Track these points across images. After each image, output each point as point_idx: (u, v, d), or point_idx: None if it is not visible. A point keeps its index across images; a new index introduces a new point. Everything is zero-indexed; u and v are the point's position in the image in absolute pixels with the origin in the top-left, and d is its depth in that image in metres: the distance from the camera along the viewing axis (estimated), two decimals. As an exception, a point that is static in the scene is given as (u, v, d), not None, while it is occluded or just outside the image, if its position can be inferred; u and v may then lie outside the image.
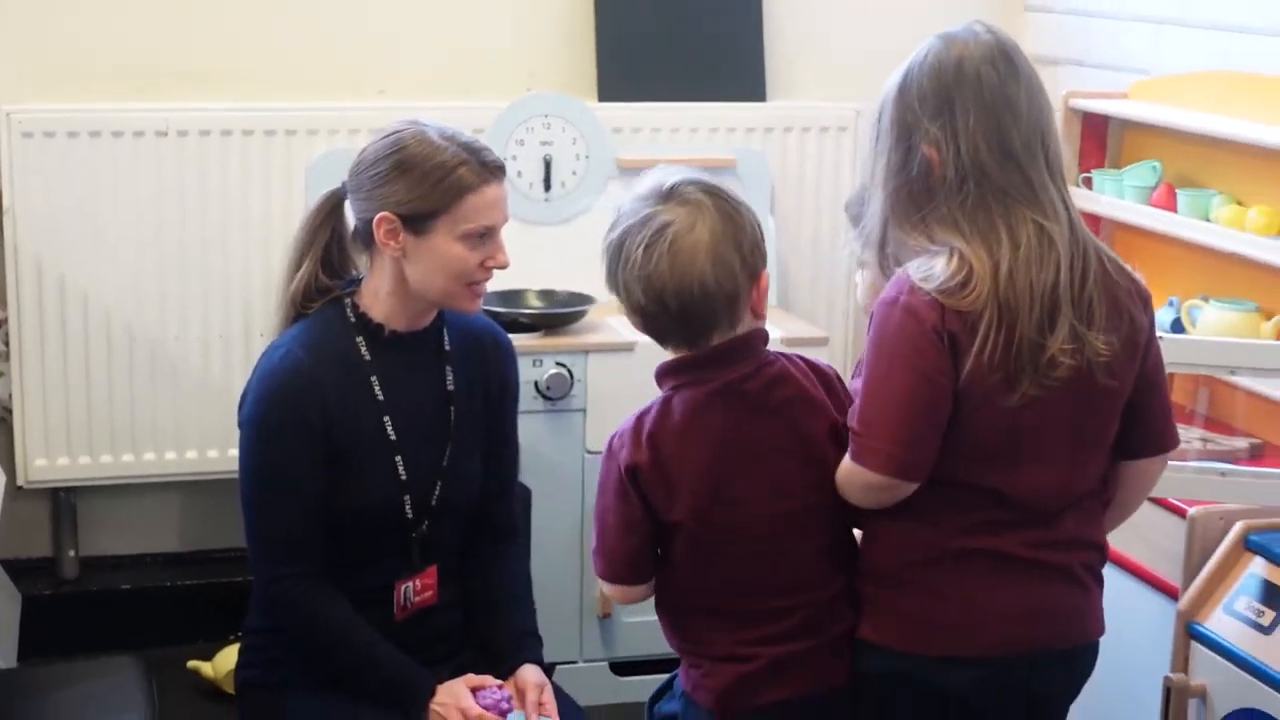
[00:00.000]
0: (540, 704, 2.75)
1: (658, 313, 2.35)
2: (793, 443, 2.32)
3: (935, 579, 2.32)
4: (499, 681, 2.74)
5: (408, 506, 2.80)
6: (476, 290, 2.80)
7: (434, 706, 2.68)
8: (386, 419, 2.79)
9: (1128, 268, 2.34)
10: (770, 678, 2.36)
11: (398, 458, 2.79)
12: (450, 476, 2.84)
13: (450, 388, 2.86)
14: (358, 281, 2.83)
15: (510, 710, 2.69)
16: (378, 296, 2.80)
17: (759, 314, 2.39)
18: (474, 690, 2.71)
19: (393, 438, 2.79)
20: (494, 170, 2.74)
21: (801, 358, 2.44)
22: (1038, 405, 2.24)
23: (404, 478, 2.79)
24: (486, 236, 2.75)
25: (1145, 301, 2.35)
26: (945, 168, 2.26)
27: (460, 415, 2.86)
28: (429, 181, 2.71)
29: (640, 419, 2.39)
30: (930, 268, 2.23)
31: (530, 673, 2.80)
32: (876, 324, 2.27)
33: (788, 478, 2.33)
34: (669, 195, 2.37)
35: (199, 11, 3.92)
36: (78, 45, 3.86)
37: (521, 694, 2.76)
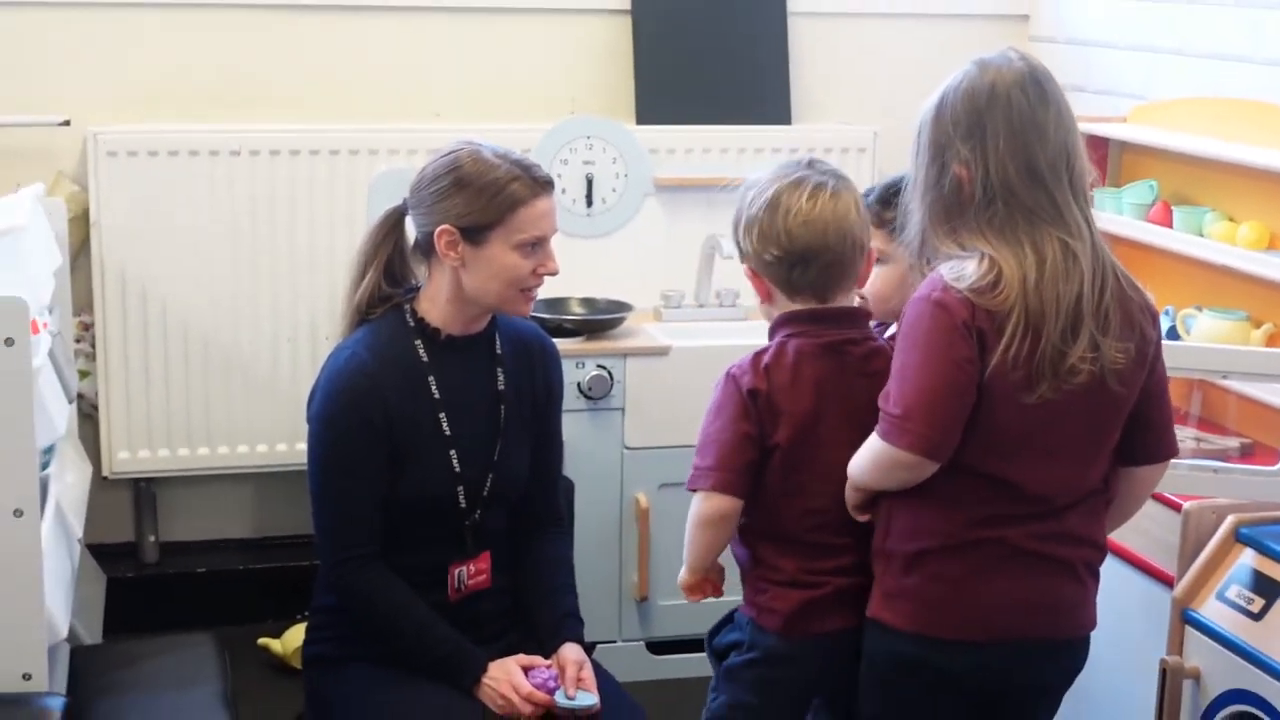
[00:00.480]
0: (580, 679, 2.76)
1: (809, 258, 2.43)
2: (874, 406, 2.34)
3: (949, 565, 2.33)
4: (548, 661, 2.75)
5: (461, 497, 2.82)
6: (529, 295, 2.83)
7: (486, 681, 2.70)
8: (442, 415, 2.81)
9: (1139, 284, 2.34)
10: (834, 605, 2.43)
11: (452, 451, 2.81)
12: (501, 469, 2.85)
13: (501, 388, 2.87)
14: (416, 290, 2.85)
15: (557, 688, 2.69)
16: (435, 303, 2.82)
17: (862, 284, 2.52)
18: (525, 669, 2.72)
19: (448, 433, 2.81)
20: (544, 185, 2.77)
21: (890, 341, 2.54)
22: (1053, 405, 2.25)
23: (458, 470, 2.81)
24: (538, 245, 2.77)
25: (1154, 317, 2.35)
26: (974, 185, 2.27)
27: (510, 413, 2.88)
28: (485, 196, 2.74)
29: (758, 356, 2.46)
30: (962, 269, 2.25)
31: (571, 650, 2.81)
32: (911, 318, 2.29)
33: (866, 432, 2.35)
34: (811, 165, 2.50)
35: (268, 40, 3.93)
36: (157, 72, 3.87)
37: (562, 670, 2.77)
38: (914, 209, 2.38)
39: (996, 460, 2.29)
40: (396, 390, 2.77)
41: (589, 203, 4.05)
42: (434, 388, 2.81)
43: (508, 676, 2.71)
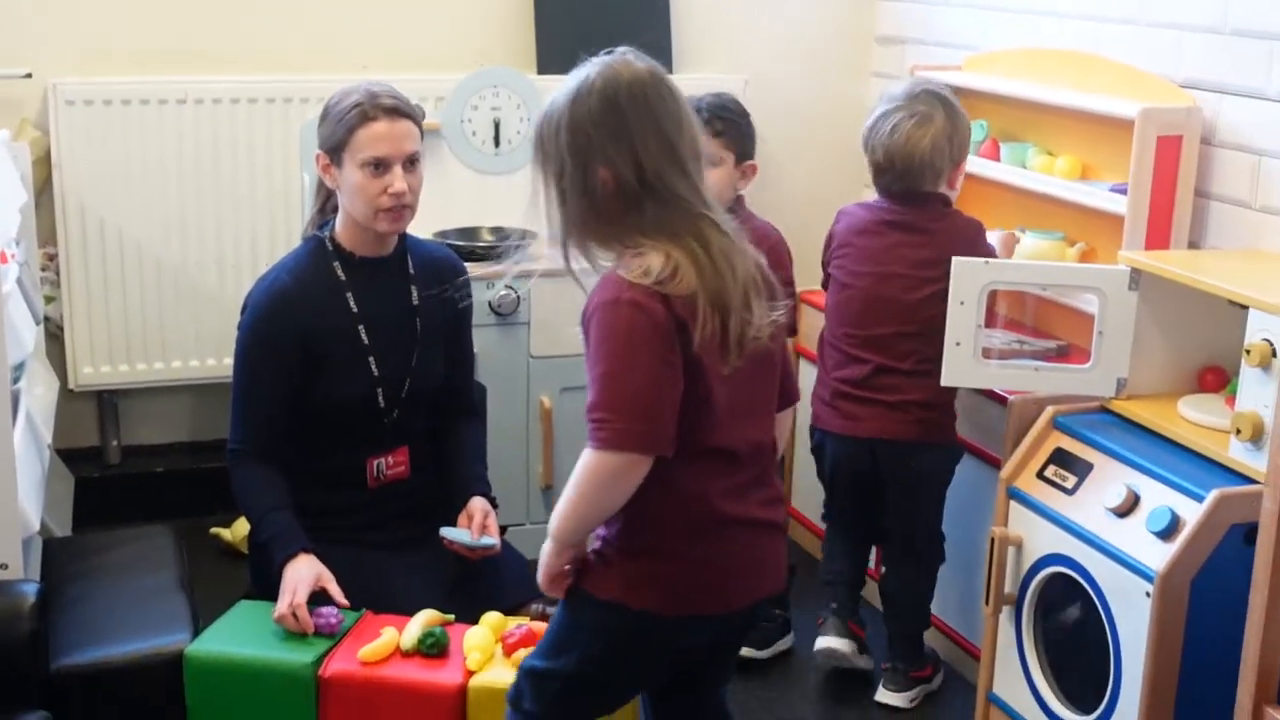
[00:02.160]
0: (485, 526, 2.81)
1: None
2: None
3: (695, 547, 2.11)
4: (342, 604, 2.65)
5: (380, 398, 2.84)
6: (391, 215, 2.78)
7: (287, 571, 2.65)
8: (361, 327, 2.83)
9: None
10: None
11: (370, 358, 2.83)
12: (417, 373, 2.87)
13: (415, 302, 2.89)
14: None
15: (339, 624, 2.59)
16: (345, 227, 2.85)
17: None
18: (326, 592, 2.64)
19: (366, 342, 2.83)
20: (385, 110, 2.75)
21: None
22: (741, 372, 2.09)
23: (376, 374, 2.83)
24: (382, 167, 2.75)
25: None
26: (625, 185, 2.05)
27: (425, 324, 2.89)
28: (334, 119, 2.79)
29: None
30: (645, 265, 2.03)
31: (477, 502, 2.85)
32: (603, 323, 2.04)
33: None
34: None
35: (213, 0, 3.85)
36: (111, 29, 3.79)
37: (470, 517, 2.82)
38: (552, 216, 2.13)
39: (717, 432, 2.09)
40: (316, 307, 2.79)
41: (497, 144, 4.01)
42: (352, 303, 2.83)
43: (296, 581, 2.62)
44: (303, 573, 2.65)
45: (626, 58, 2.11)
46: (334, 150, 2.79)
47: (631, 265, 2.05)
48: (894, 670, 3.20)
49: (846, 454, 3.14)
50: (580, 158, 2.07)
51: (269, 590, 2.74)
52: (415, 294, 2.89)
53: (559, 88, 2.12)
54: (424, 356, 2.89)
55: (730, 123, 3.16)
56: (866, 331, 3.09)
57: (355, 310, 2.83)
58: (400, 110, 2.78)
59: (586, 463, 2.04)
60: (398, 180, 2.76)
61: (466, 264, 3.52)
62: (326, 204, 2.93)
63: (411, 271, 2.91)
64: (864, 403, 3.09)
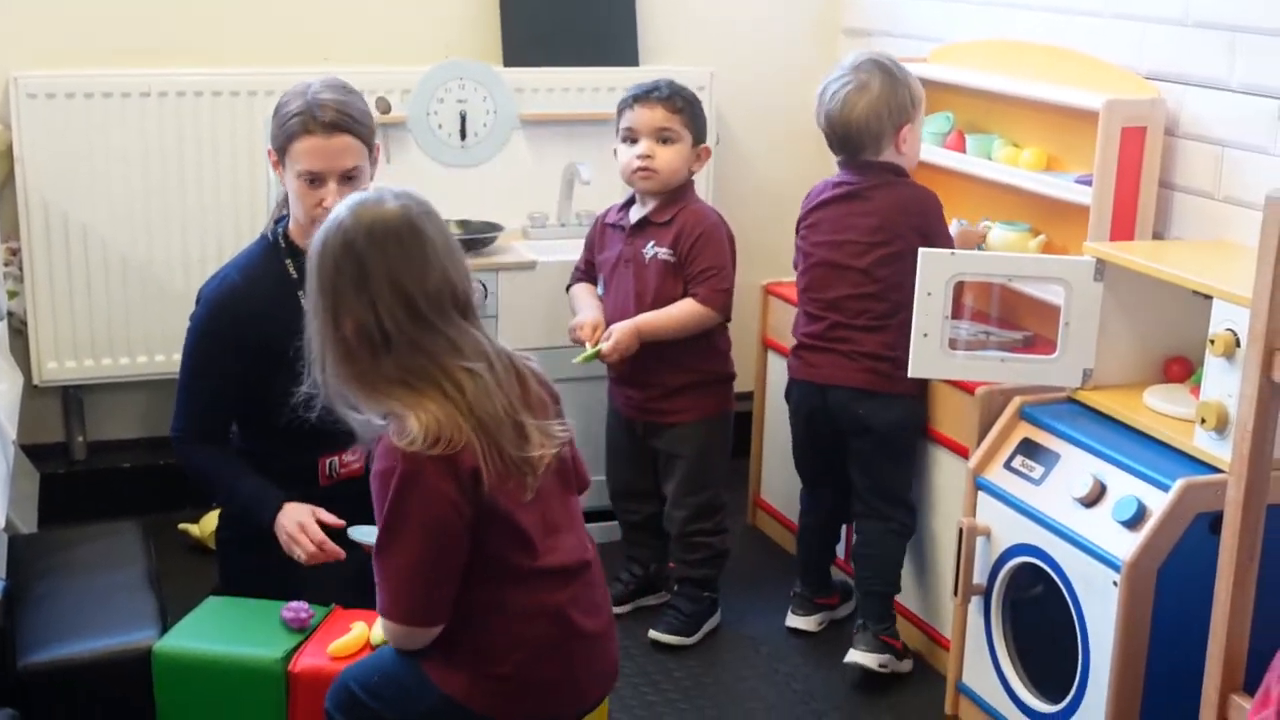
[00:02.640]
0: None
1: None
2: None
3: (537, 663, 2.15)
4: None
5: None
6: None
7: (280, 519, 2.69)
8: None
9: (532, 364, 2.25)
10: None
11: None
12: None
13: None
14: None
15: (310, 618, 2.58)
16: (296, 224, 2.84)
17: None
18: (320, 523, 2.68)
19: None
20: (321, 125, 2.72)
21: None
22: (544, 489, 2.14)
23: None
24: (317, 181, 2.74)
25: (551, 396, 2.24)
26: (371, 332, 2.06)
27: None
28: (277, 123, 2.78)
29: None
30: (408, 432, 2.03)
31: None
32: (392, 496, 2.04)
33: None
34: None
35: (174, -7, 3.83)
36: (74, 21, 3.74)
37: None
38: (323, 363, 2.12)
39: (538, 554, 2.13)
40: (266, 305, 2.77)
41: (463, 136, 4.00)
42: (303, 301, 2.74)
43: (298, 517, 2.68)
44: (299, 515, 2.68)
45: (382, 194, 2.11)
46: (278, 151, 2.80)
47: (398, 430, 2.04)
48: (864, 629, 3.21)
49: (805, 399, 3.29)
50: (329, 305, 2.09)
51: (239, 586, 2.72)
52: None
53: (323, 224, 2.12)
54: None
55: (688, 101, 3.33)
56: (824, 295, 3.22)
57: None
58: (339, 125, 2.74)
59: (383, 623, 2.15)
60: (330, 196, 2.73)
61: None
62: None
63: None
64: (821, 351, 3.23)
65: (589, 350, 3.28)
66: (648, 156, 3.28)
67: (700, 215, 3.31)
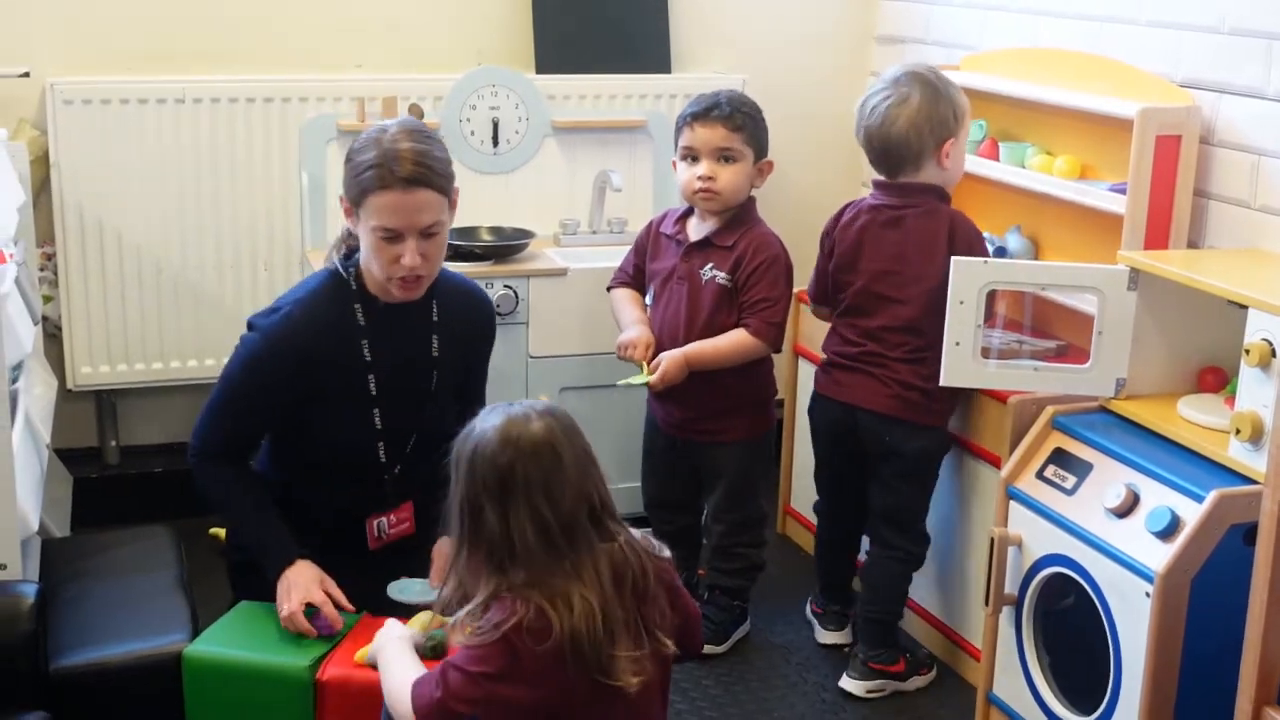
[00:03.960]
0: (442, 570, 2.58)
1: None
2: None
3: None
4: (346, 609, 2.59)
5: (382, 451, 2.70)
6: (402, 284, 2.61)
7: (280, 581, 2.58)
8: (370, 377, 2.67)
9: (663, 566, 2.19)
10: None
11: (375, 410, 2.68)
12: (425, 428, 2.70)
13: (435, 354, 2.73)
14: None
15: (334, 633, 2.55)
16: (368, 269, 2.66)
17: None
18: (326, 592, 2.57)
19: (373, 393, 2.68)
20: (399, 180, 2.52)
21: None
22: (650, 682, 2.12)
23: (379, 427, 2.68)
24: (394, 237, 2.56)
25: (673, 589, 2.21)
26: (506, 542, 2.07)
27: (441, 377, 2.74)
28: (351, 175, 2.59)
29: None
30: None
31: (444, 543, 2.58)
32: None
33: None
34: None
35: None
36: (109, 27, 3.77)
37: (433, 560, 2.67)
38: (460, 549, 2.13)
39: None
40: (326, 350, 2.62)
41: (495, 143, 4.00)
42: (366, 351, 2.66)
43: (289, 588, 2.55)
44: (304, 578, 2.58)
45: (528, 412, 2.11)
46: (352, 201, 2.61)
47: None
48: (854, 656, 3.24)
49: (832, 416, 3.25)
50: (475, 503, 2.10)
51: (252, 597, 2.68)
52: (437, 344, 2.72)
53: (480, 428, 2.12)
54: (434, 410, 2.72)
55: (749, 118, 3.25)
56: (865, 323, 3.17)
57: (369, 359, 2.66)
58: (419, 180, 2.54)
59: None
60: (409, 254, 2.55)
61: (464, 264, 3.53)
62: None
63: (435, 318, 2.73)
64: (852, 371, 3.19)
65: (637, 379, 3.22)
66: (709, 178, 3.20)
67: (764, 242, 3.23)
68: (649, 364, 3.23)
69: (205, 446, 2.74)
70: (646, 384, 3.20)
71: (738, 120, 3.21)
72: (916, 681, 3.24)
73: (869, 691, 3.19)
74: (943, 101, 3.12)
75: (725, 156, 3.21)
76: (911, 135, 3.09)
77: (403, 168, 2.53)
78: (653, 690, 2.16)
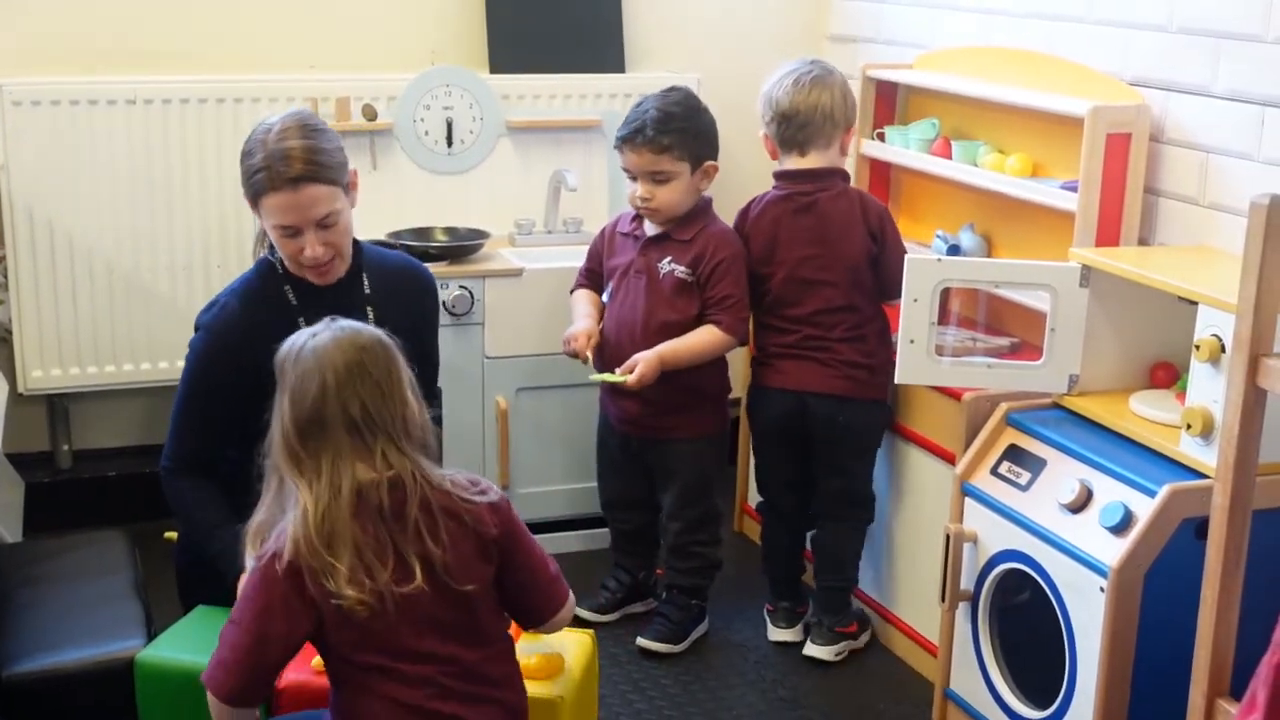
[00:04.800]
0: None
1: None
2: None
3: None
4: None
5: None
6: (315, 272, 2.71)
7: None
8: None
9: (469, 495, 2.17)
10: None
11: None
12: None
13: (371, 324, 2.75)
14: None
15: None
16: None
17: None
18: None
19: None
20: (286, 180, 2.61)
21: None
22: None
23: None
24: (293, 232, 2.65)
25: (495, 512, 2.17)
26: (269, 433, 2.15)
27: None
28: (245, 178, 2.68)
29: None
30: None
31: None
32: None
33: None
34: None
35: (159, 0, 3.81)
36: (59, 27, 3.74)
37: None
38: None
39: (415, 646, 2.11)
40: (265, 332, 2.58)
41: (449, 143, 3.99)
42: (303, 327, 2.70)
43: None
44: None
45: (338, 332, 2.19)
46: (250, 201, 2.70)
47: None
48: (819, 625, 3.34)
49: (780, 406, 3.29)
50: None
51: (202, 602, 2.67)
52: (372, 314, 2.79)
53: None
54: None
55: (679, 133, 3.22)
56: (795, 311, 3.25)
57: None
58: (306, 176, 2.62)
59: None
60: (309, 246, 2.66)
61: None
62: None
63: (367, 291, 2.82)
64: (796, 359, 3.24)
65: (613, 378, 3.21)
66: (646, 197, 3.23)
67: (723, 239, 3.25)
68: (594, 357, 3.27)
69: (174, 461, 2.77)
70: (623, 383, 3.19)
71: (664, 142, 3.18)
72: (864, 638, 3.39)
73: (836, 654, 3.31)
74: (849, 91, 3.30)
75: (657, 179, 3.21)
76: (837, 105, 3.23)
77: (291, 168, 2.61)
78: (419, 622, 2.09)
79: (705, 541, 3.37)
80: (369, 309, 2.80)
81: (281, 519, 2.12)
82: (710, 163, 3.27)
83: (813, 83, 3.22)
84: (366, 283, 2.83)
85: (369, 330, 2.20)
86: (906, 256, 2.98)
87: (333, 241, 2.69)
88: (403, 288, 2.89)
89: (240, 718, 2.13)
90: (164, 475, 2.78)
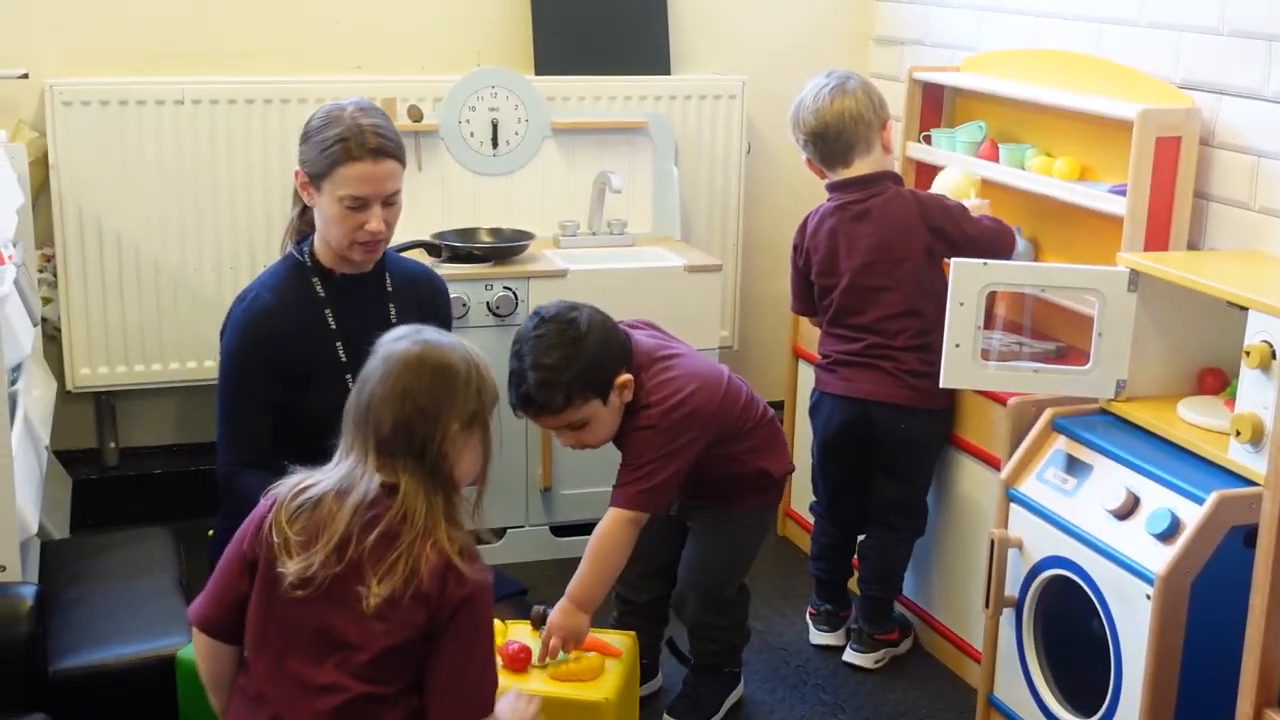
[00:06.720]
0: None
1: None
2: None
3: None
4: None
5: None
6: (364, 248, 2.80)
7: None
8: (339, 344, 2.83)
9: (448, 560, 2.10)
10: None
11: (348, 375, 2.78)
12: None
13: (393, 320, 2.85)
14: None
15: None
16: (323, 245, 2.85)
17: None
18: None
19: (343, 359, 2.82)
20: (368, 151, 2.73)
21: None
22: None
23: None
24: (360, 205, 2.74)
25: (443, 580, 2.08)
26: None
27: None
28: (318, 149, 2.76)
29: None
30: None
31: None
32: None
33: None
34: None
35: (209, 0, 3.84)
36: (108, 28, 3.78)
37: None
38: None
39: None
40: (295, 323, 2.79)
41: (495, 144, 4.00)
42: (330, 320, 2.83)
43: None
44: None
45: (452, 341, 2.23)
46: (315, 176, 2.78)
47: None
48: (859, 632, 3.34)
49: (842, 413, 3.27)
50: None
51: None
52: (394, 311, 2.89)
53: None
54: None
55: (563, 388, 2.75)
56: (859, 320, 3.23)
57: (334, 327, 2.84)
58: (385, 150, 2.76)
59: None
60: (374, 220, 2.77)
61: (464, 265, 3.53)
62: (306, 211, 2.90)
63: (390, 288, 2.92)
64: (860, 367, 3.23)
65: (558, 659, 2.72)
66: (576, 443, 2.87)
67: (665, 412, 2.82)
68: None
69: (231, 464, 2.83)
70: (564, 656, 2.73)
71: (558, 402, 2.75)
72: (905, 645, 3.38)
73: (876, 662, 3.31)
74: (872, 87, 3.28)
75: (576, 428, 2.82)
76: (863, 105, 3.22)
77: (370, 140, 2.74)
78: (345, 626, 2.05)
79: (725, 626, 3.04)
80: (391, 305, 2.89)
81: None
82: (623, 379, 2.79)
83: (832, 94, 3.23)
84: (389, 281, 2.93)
85: (439, 358, 2.14)
86: (952, 260, 2.96)
87: (391, 221, 2.81)
88: (419, 288, 2.99)
89: (218, 655, 2.17)
90: (225, 481, 2.83)
